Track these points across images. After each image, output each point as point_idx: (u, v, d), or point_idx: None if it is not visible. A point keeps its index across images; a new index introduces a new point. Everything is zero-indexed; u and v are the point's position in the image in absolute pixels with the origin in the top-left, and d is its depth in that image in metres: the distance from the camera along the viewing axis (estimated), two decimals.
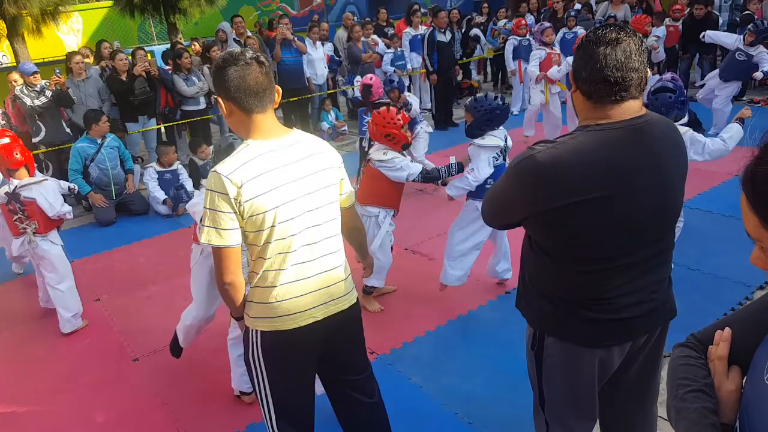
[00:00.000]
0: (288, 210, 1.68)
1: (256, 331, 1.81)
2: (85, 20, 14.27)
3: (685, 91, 3.91)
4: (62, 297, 3.69)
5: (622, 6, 9.41)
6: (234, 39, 7.72)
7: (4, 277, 4.75)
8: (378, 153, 3.39)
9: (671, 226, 1.63)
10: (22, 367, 3.49)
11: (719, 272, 3.69)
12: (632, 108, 1.50)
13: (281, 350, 1.82)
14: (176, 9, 8.76)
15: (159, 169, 5.98)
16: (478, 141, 3.26)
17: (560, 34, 8.56)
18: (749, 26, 6.49)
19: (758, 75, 6.22)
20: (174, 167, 6.05)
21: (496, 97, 3.30)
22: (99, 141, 5.80)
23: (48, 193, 3.65)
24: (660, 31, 8.37)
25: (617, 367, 1.71)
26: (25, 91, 6.00)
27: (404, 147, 3.45)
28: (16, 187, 3.60)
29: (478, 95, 3.36)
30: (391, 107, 3.47)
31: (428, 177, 3.37)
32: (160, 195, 5.84)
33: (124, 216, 5.94)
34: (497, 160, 3.31)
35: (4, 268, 4.77)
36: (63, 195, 3.90)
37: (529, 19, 9.58)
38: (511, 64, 8.45)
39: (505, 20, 9.94)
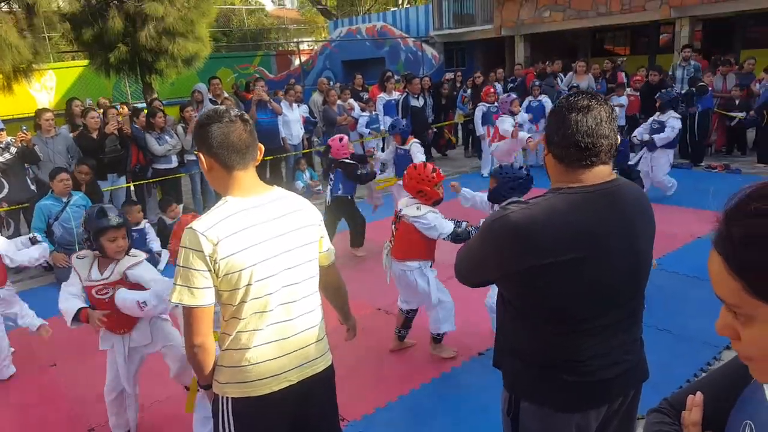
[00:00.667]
0: (265, 268, 1.65)
1: (227, 398, 1.72)
2: (59, 78, 14.34)
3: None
4: None
5: (586, 76, 9.98)
6: (210, 99, 7.83)
7: None
8: (411, 209, 3.42)
9: (642, 287, 1.64)
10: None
11: (687, 332, 3.73)
12: (603, 173, 1.54)
13: (253, 418, 1.73)
14: (152, 69, 8.88)
15: None
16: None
17: (526, 102, 9.01)
18: (658, 93, 7.02)
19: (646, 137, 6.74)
20: (141, 226, 5.92)
21: (521, 167, 3.53)
22: (64, 200, 5.66)
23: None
24: (623, 99, 8.91)
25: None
26: None
27: (435, 203, 3.47)
28: None
29: (504, 164, 3.56)
30: (427, 164, 3.56)
31: (458, 238, 3.35)
32: None
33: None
34: None
35: None
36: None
37: (498, 87, 10.03)
38: (480, 129, 8.77)
39: (470, 89, 10.39)
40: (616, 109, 8.37)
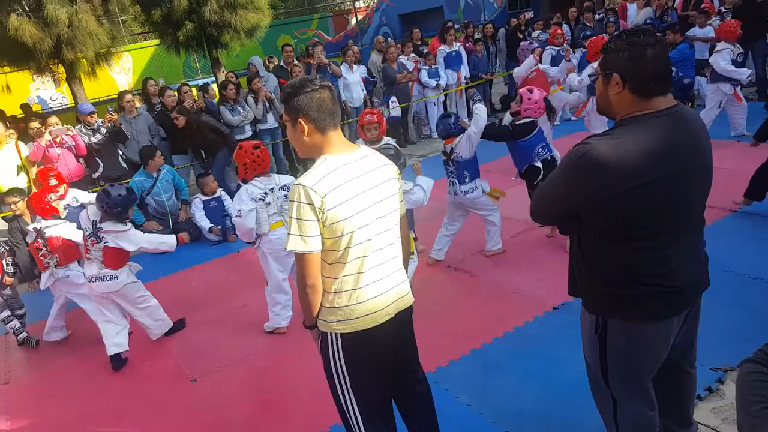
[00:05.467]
0: (363, 217, 1.85)
1: (335, 335, 1.94)
2: (134, 59, 15.10)
3: None
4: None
5: (643, 11, 9.28)
6: (281, 66, 8.32)
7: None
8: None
9: (705, 201, 1.84)
10: (86, 387, 3.71)
11: None
12: (670, 98, 1.73)
13: (363, 349, 1.96)
14: (218, 44, 9.15)
15: (204, 198, 6.24)
16: None
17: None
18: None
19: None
20: (217, 195, 6.30)
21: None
22: (154, 175, 6.12)
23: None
24: (707, 31, 8.06)
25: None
26: (84, 130, 6.41)
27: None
28: (42, 227, 4.05)
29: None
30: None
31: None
32: (206, 224, 6.11)
33: (179, 244, 6.20)
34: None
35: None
36: None
37: (566, 28, 9.50)
38: (550, 74, 8.32)
39: (539, 32, 9.91)
40: (698, 44, 7.74)
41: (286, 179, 3.83)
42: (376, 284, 1.93)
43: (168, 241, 3.97)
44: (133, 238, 3.76)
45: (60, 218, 4.24)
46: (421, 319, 3.90)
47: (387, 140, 4.15)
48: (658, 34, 1.78)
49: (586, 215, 1.79)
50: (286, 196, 3.57)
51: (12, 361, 4.20)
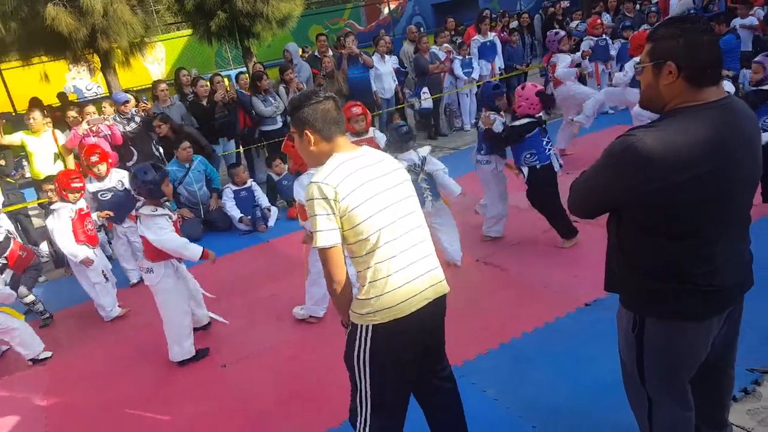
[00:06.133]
0: (379, 202, 1.86)
1: (368, 327, 1.92)
2: (168, 49, 15.32)
3: None
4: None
5: None
6: (314, 55, 8.35)
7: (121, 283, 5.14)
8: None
9: (753, 197, 1.77)
10: (118, 371, 3.81)
11: None
12: (722, 89, 1.66)
13: (395, 339, 1.93)
14: (250, 34, 9.22)
15: (234, 188, 6.31)
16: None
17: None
18: None
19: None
20: (248, 185, 6.36)
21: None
22: (187, 165, 6.22)
23: None
24: (752, 20, 7.77)
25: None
26: (118, 119, 6.55)
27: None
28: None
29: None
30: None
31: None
32: (237, 213, 6.19)
33: (210, 232, 6.32)
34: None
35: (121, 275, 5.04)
36: None
37: (606, 18, 9.24)
38: (587, 66, 8.12)
39: (578, 22, 9.67)
40: (742, 32, 7.43)
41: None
42: (409, 268, 1.92)
43: (192, 250, 3.56)
44: (158, 230, 3.48)
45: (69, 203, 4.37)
46: (449, 312, 3.87)
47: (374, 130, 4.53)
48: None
49: (627, 209, 1.73)
50: None
51: (48, 342, 4.34)
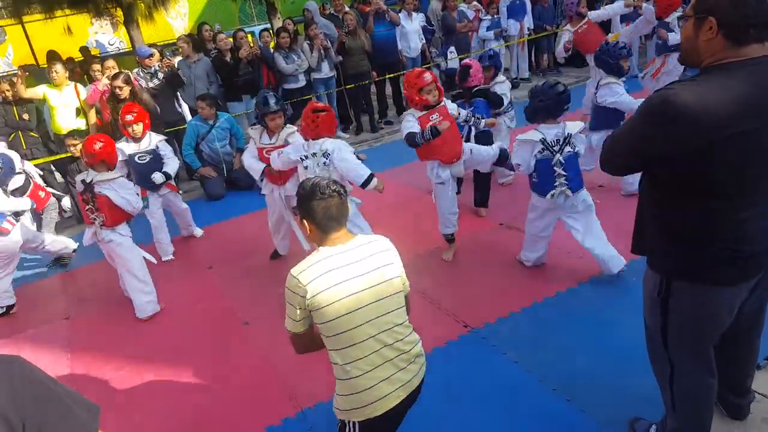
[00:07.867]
0: (352, 302, 1.87)
1: (352, 423, 1.97)
2: (190, 4, 15.12)
3: None
4: (132, 284, 3.91)
5: None
6: (332, 14, 7.97)
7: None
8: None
9: None
10: (140, 329, 3.90)
11: None
12: (766, 46, 1.57)
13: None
14: None
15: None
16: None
17: None
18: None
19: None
20: None
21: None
22: (210, 122, 6.15)
23: (122, 189, 3.80)
24: None
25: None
26: (141, 74, 6.52)
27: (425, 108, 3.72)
28: (93, 179, 3.78)
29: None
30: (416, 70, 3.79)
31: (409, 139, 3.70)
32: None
33: (233, 191, 6.36)
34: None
35: None
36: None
37: None
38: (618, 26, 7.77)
39: None
40: None
41: (330, 145, 3.60)
42: (379, 368, 1.92)
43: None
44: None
45: (114, 173, 3.88)
46: (470, 274, 3.86)
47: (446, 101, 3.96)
48: None
49: (661, 167, 1.67)
50: (326, 163, 3.56)
51: (73, 297, 4.45)
